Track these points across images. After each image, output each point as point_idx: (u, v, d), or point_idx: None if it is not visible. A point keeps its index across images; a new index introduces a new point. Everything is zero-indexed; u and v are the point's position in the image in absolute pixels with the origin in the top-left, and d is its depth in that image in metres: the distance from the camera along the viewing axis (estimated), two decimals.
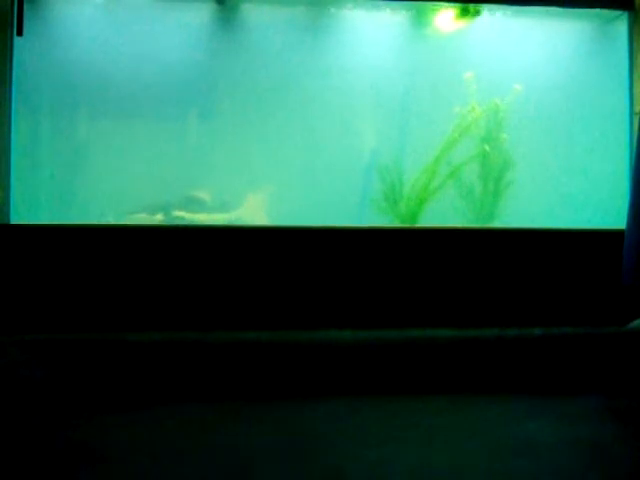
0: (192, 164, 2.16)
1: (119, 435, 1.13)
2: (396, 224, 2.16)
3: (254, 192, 2.18)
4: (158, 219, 2.09)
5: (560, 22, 2.28)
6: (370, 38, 2.22)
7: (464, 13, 2.19)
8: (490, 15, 2.23)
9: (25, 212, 2.01)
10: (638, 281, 1.83)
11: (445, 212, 2.18)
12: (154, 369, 1.38)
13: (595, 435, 1.15)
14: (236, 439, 1.11)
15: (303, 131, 2.20)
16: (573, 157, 2.29)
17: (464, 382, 1.44)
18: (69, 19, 2.09)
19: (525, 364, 1.47)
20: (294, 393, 1.38)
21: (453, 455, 1.05)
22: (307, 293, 1.92)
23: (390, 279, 1.96)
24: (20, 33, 1.93)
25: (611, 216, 2.20)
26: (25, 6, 1.94)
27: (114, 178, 2.09)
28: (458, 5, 2.17)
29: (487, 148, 2.21)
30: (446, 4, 2.17)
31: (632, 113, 2.20)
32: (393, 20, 2.23)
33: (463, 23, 2.22)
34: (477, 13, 2.19)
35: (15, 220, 1.96)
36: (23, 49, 2.00)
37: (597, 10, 2.23)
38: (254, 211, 2.17)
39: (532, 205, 2.24)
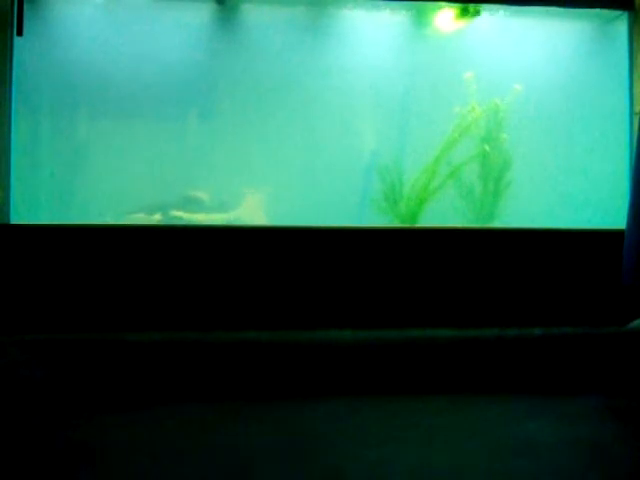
0: (191, 164, 2.15)
1: (119, 435, 1.13)
2: (396, 224, 2.16)
3: (254, 192, 2.18)
4: (156, 219, 2.09)
5: (560, 22, 2.28)
6: (370, 38, 2.22)
7: (464, 13, 2.19)
8: (490, 15, 2.23)
9: (25, 212, 2.01)
10: (638, 281, 1.83)
11: (445, 212, 2.18)
12: (154, 369, 1.38)
13: (595, 435, 1.15)
14: (236, 439, 1.11)
15: (303, 131, 2.20)
16: (573, 157, 2.29)
17: (464, 382, 1.44)
18: (69, 19, 2.09)
19: (525, 364, 1.47)
20: (294, 393, 1.38)
21: (453, 455, 1.05)
22: (307, 293, 1.92)
23: (390, 279, 1.96)
24: (20, 33, 1.93)
25: (611, 216, 2.20)
26: (25, 6, 1.94)
27: (113, 178, 2.09)
28: (458, 5, 2.17)
29: (487, 148, 2.20)
30: (446, 4, 2.17)
31: (632, 113, 2.20)
32: (393, 20, 2.23)
33: (463, 23, 2.22)
34: (477, 13, 2.19)
35: (15, 220, 1.96)
36: (23, 49, 2.00)
37: (597, 10, 2.23)
38: (253, 211, 2.17)
39: (532, 205, 2.24)
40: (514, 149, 2.21)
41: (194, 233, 1.93)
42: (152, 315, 1.86)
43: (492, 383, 1.43)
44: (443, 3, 2.17)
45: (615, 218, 2.13)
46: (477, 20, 2.21)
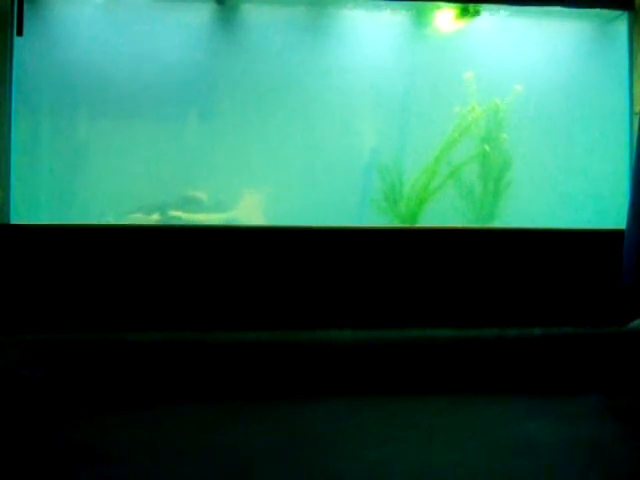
0: (190, 164, 2.15)
1: (119, 435, 1.13)
2: (396, 224, 2.16)
3: (253, 192, 2.18)
4: (154, 219, 2.09)
5: (560, 22, 2.28)
6: (370, 38, 2.22)
7: (464, 13, 2.19)
8: (490, 15, 2.23)
9: (25, 212, 2.01)
10: (638, 281, 1.83)
11: (445, 212, 2.18)
12: (154, 369, 1.38)
13: (595, 435, 1.15)
14: (236, 439, 1.11)
15: (303, 131, 2.20)
16: (573, 157, 2.29)
17: (464, 382, 1.44)
18: (69, 19, 2.09)
19: (525, 364, 1.47)
20: (294, 393, 1.38)
21: (453, 455, 1.05)
22: (307, 293, 1.92)
23: (390, 279, 1.95)
24: (20, 33, 1.93)
25: (611, 216, 2.20)
26: (25, 6, 1.94)
27: (112, 178, 2.09)
28: (458, 5, 2.17)
29: (487, 148, 2.20)
30: (446, 4, 2.17)
31: (632, 113, 2.20)
32: (393, 20, 2.23)
33: (463, 23, 2.22)
34: (477, 13, 2.19)
35: (15, 220, 1.96)
36: (23, 49, 2.00)
37: (597, 10, 2.23)
38: (253, 211, 2.17)
39: (532, 205, 2.24)
40: (514, 149, 2.21)
41: (195, 233, 1.93)
42: (152, 315, 1.86)
43: (492, 383, 1.43)
44: (443, 3, 2.17)
45: (615, 218, 2.13)
46: (477, 20, 2.21)
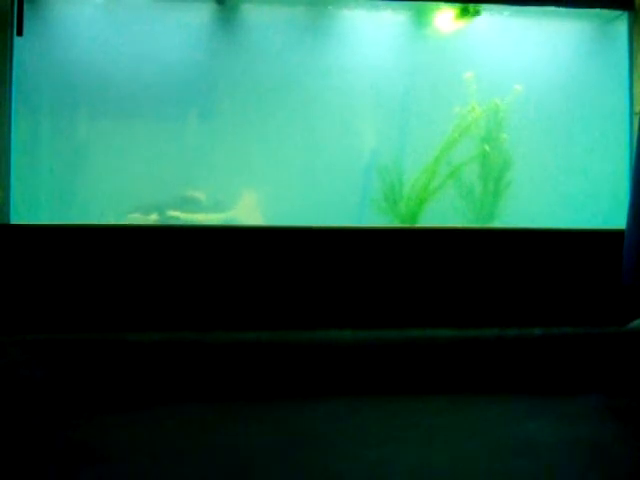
0: (190, 164, 2.15)
1: (119, 435, 1.13)
2: (396, 224, 2.16)
3: (253, 192, 2.18)
4: (152, 219, 2.09)
5: (560, 22, 2.28)
6: (370, 38, 2.22)
7: (464, 13, 2.19)
8: (490, 15, 2.23)
9: (25, 212, 2.01)
10: (638, 281, 1.83)
11: (445, 212, 2.18)
12: (154, 369, 1.38)
13: (595, 435, 1.15)
14: (236, 439, 1.11)
15: (303, 131, 2.20)
16: (573, 157, 2.29)
17: (464, 382, 1.44)
18: (69, 19, 2.09)
19: (525, 364, 1.47)
20: (294, 393, 1.38)
21: (453, 455, 1.05)
22: (307, 293, 1.92)
23: (390, 279, 1.95)
24: (20, 33, 1.93)
25: (611, 216, 2.20)
26: (25, 6, 1.94)
27: (112, 178, 2.09)
28: (458, 5, 2.17)
29: (487, 148, 2.20)
30: (446, 4, 2.17)
31: (632, 113, 2.20)
32: (393, 20, 2.23)
33: (463, 23, 2.22)
34: (477, 13, 2.19)
35: (15, 220, 1.96)
36: (23, 49, 2.00)
37: (597, 10, 2.23)
38: (252, 212, 2.17)
39: (532, 205, 2.24)
40: (514, 149, 2.21)
41: (195, 233, 1.93)
42: (152, 315, 1.86)
43: (492, 383, 1.43)
44: (443, 3, 2.17)
45: (615, 218, 2.13)
46: (477, 20, 2.21)
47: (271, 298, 1.91)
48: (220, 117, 2.21)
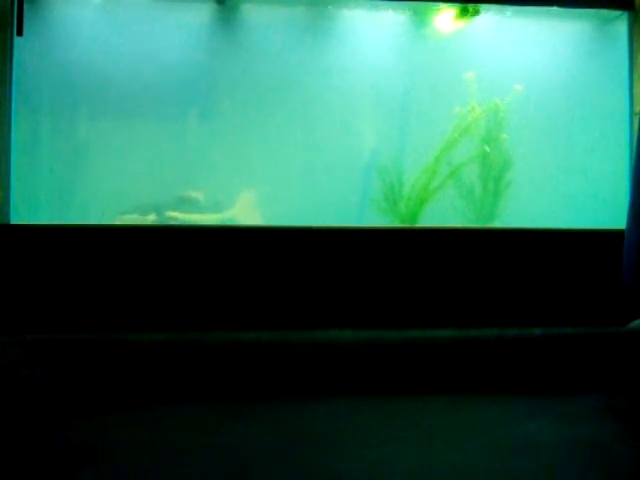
0: (189, 164, 2.15)
1: (119, 435, 1.13)
2: (396, 224, 2.16)
3: (252, 192, 2.18)
4: (151, 219, 2.09)
5: (560, 22, 2.28)
6: (370, 38, 2.22)
7: (463, 13, 2.19)
8: (490, 15, 2.23)
9: (25, 212, 2.01)
10: (638, 281, 1.83)
11: (445, 212, 2.18)
12: (154, 369, 1.38)
13: (595, 435, 1.15)
14: (236, 439, 1.11)
15: (303, 131, 2.20)
16: (573, 157, 2.29)
17: (464, 382, 1.44)
18: (69, 19, 2.09)
19: (525, 364, 1.47)
20: (294, 393, 1.38)
21: (453, 455, 1.05)
22: (307, 293, 1.92)
23: (390, 279, 1.96)
24: (20, 33, 1.93)
25: (611, 216, 2.20)
26: (25, 6, 1.94)
27: (111, 178, 2.09)
28: (458, 5, 2.17)
29: (487, 148, 2.20)
30: (446, 4, 2.17)
31: (632, 113, 2.20)
32: (393, 20, 2.23)
33: (463, 23, 2.22)
34: (476, 13, 2.19)
35: (15, 220, 1.96)
36: (23, 49, 2.00)
37: (597, 10, 2.23)
38: (251, 212, 2.16)
39: (532, 205, 2.24)
40: (514, 149, 2.21)
41: (196, 233, 1.93)
42: (152, 315, 1.86)
43: (492, 383, 1.43)
44: (443, 3, 2.17)
45: (615, 218, 2.13)
46: (477, 20, 2.21)
47: (271, 298, 1.91)
48: (220, 117, 2.21)
